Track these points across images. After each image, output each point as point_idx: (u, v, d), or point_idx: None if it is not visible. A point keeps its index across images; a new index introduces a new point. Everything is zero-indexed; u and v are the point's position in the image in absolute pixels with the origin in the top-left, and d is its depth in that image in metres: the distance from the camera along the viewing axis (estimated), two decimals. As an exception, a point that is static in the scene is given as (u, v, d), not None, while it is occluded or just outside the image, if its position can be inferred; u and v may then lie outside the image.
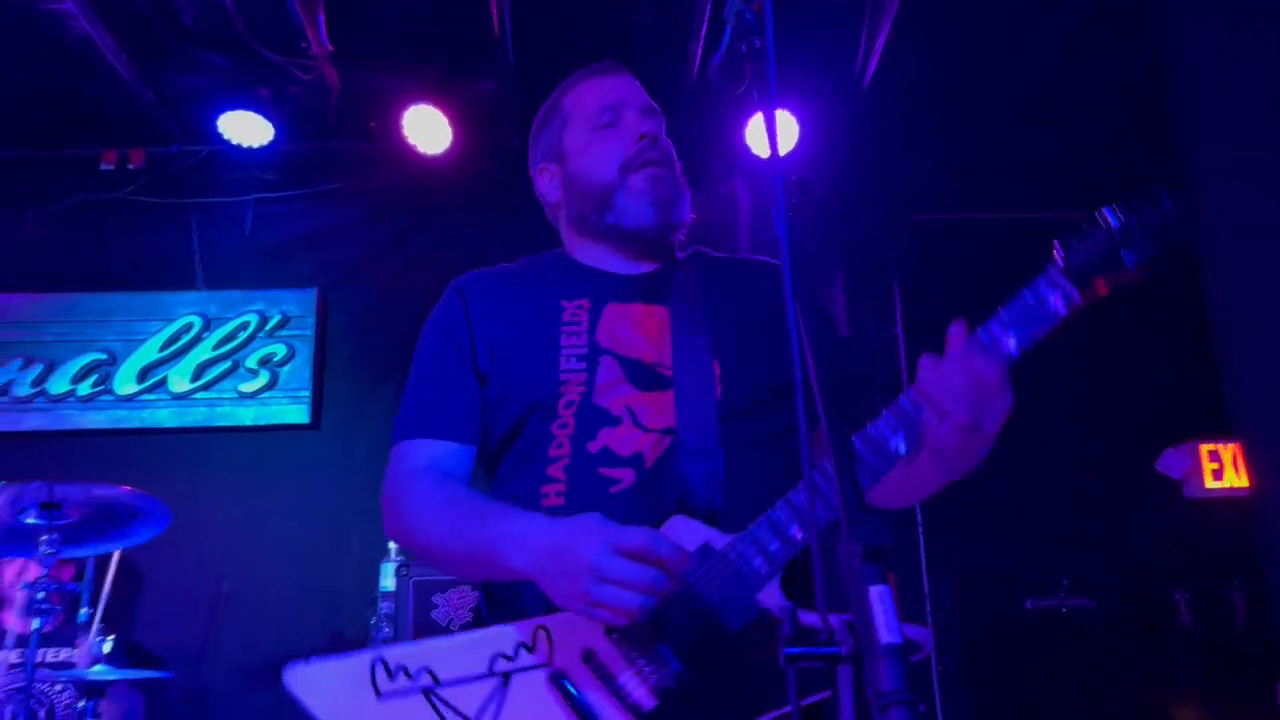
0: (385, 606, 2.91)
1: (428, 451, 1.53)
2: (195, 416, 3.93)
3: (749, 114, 4.05)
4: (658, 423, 1.46)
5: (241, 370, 3.96)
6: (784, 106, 3.84)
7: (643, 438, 1.45)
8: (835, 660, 0.83)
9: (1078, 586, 3.68)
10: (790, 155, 3.88)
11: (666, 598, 1.28)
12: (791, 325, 0.99)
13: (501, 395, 1.54)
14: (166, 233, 4.10)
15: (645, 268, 1.63)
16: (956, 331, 1.31)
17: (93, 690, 2.92)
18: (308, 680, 1.35)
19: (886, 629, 0.76)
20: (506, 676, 1.31)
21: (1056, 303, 1.28)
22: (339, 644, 3.71)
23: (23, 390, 3.87)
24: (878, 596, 0.78)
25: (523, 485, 1.49)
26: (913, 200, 4.23)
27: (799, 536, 1.30)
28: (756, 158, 4.14)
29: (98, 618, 3.01)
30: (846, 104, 4.00)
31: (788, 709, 1.26)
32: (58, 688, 3.21)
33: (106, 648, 2.89)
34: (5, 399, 3.86)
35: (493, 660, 1.31)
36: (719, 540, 1.33)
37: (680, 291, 1.59)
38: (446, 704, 1.30)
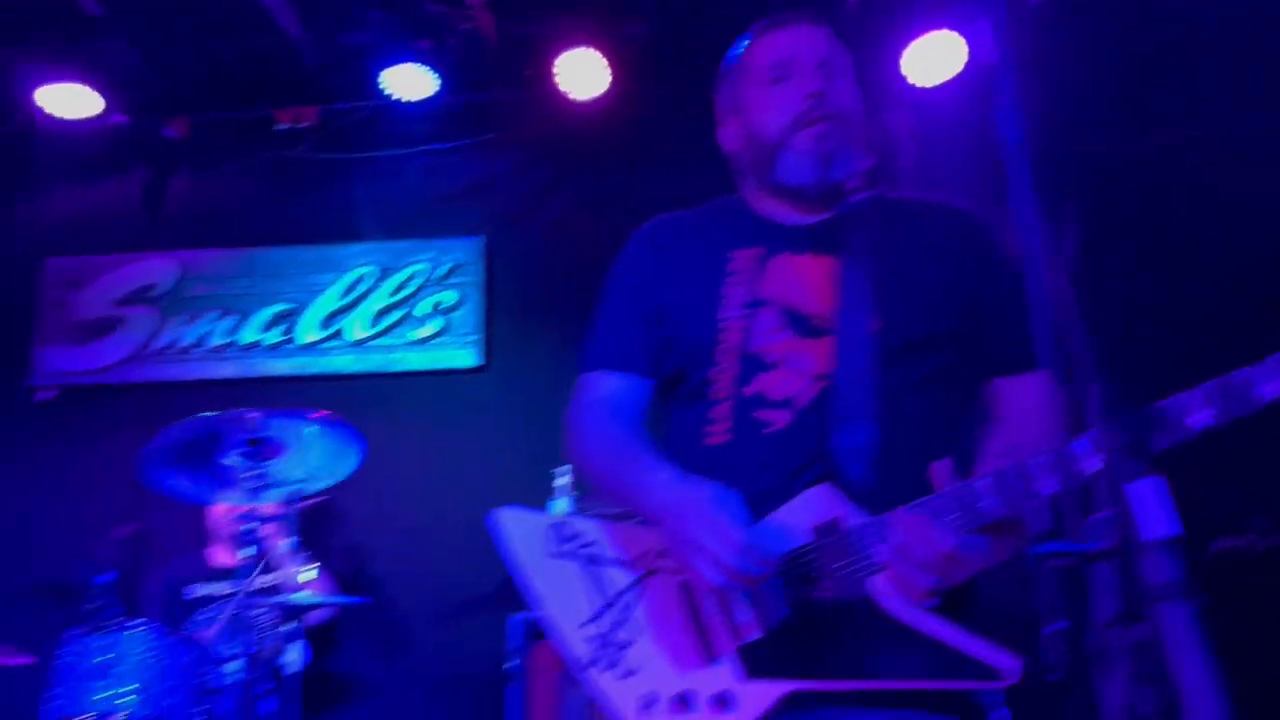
0: (564, 538, 3.01)
1: (607, 384, 1.68)
2: (372, 362, 4.13)
3: (906, 40, 3.93)
4: (813, 369, 1.53)
5: (414, 317, 4.13)
6: (949, 27, 3.70)
7: (797, 382, 1.53)
8: (1090, 558, 0.82)
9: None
10: (960, 79, 3.74)
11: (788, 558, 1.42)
12: (1031, 268, 0.99)
13: (669, 338, 1.65)
14: (339, 187, 4.30)
15: (818, 216, 1.67)
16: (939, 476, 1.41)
17: (300, 614, 3.15)
18: (505, 522, 1.60)
19: (1156, 522, 0.75)
20: (652, 572, 1.50)
21: (1049, 484, 1.31)
22: (510, 581, 3.86)
23: (218, 340, 4.15)
24: (1150, 488, 0.76)
25: (688, 422, 1.61)
26: (1088, 126, 4.02)
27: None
28: (914, 87, 4.02)
29: (299, 549, 3.22)
30: (1016, 23, 3.81)
31: (883, 684, 1.38)
32: (267, 615, 3.47)
33: (311, 575, 3.08)
34: (202, 349, 4.14)
35: (645, 554, 1.51)
36: (854, 517, 1.42)
37: (851, 240, 1.63)
38: (598, 577, 1.53)
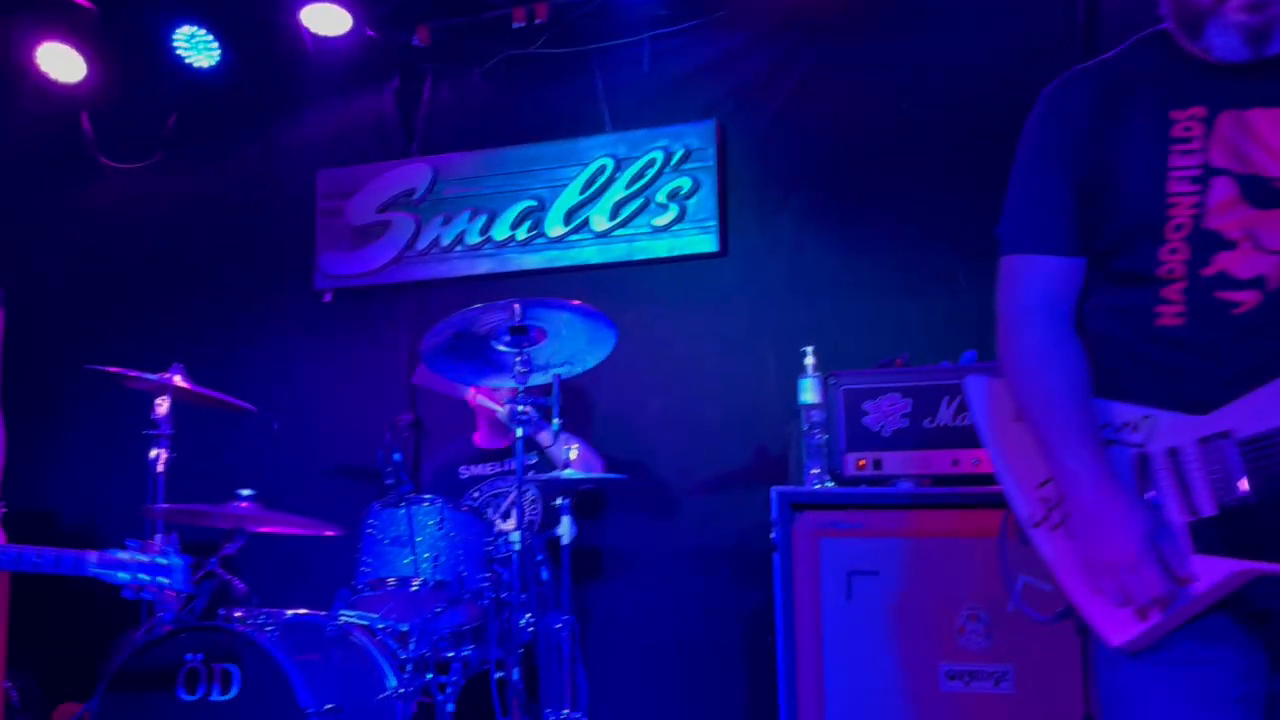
0: (815, 415, 3.03)
1: (1042, 273, 1.60)
2: (616, 252, 4.24)
3: None
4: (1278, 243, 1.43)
5: (653, 205, 4.19)
6: None
7: (1264, 259, 1.44)
8: None
9: None
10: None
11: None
12: None
13: (1106, 213, 1.54)
14: (574, 81, 4.37)
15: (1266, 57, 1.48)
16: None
17: (566, 490, 3.37)
18: (977, 387, 1.69)
19: None
20: (1109, 442, 1.51)
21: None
22: (762, 457, 3.95)
23: (473, 239, 4.38)
24: None
25: (1133, 301, 1.53)
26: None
27: None
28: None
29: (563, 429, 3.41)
30: None
31: None
32: (537, 491, 3.74)
33: (573, 454, 3.27)
34: (461, 248, 4.40)
35: (1107, 425, 1.52)
36: None
37: None
38: None
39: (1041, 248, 1.60)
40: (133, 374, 3.38)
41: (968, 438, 2.79)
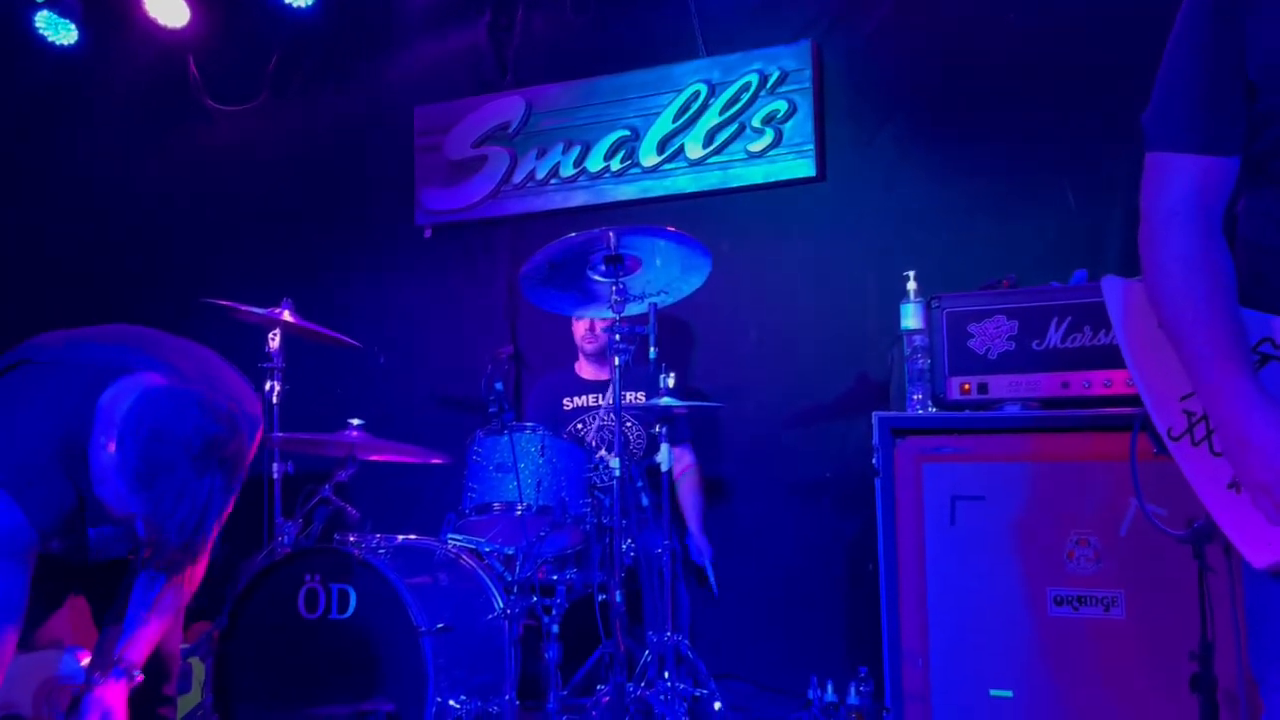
0: (917, 340, 2.97)
1: (1191, 174, 1.45)
2: (710, 180, 4.19)
3: None
4: None
5: (748, 131, 4.12)
6: None
7: None
8: None
9: None
10: None
11: None
12: None
13: (1272, 112, 1.41)
14: (666, 6, 4.28)
15: None
16: None
17: (663, 418, 3.40)
18: (1115, 289, 1.60)
19: None
20: (1266, 359, 1.42)
21: None
22: (862, 384, 3.90)
23: (567, 171, 4.38)
24: None
25: None
26: None
27: None
28: None
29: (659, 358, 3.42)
30: None
31: None
32: (635, 419, 3.78)
33: (670, 382, 3.28)
34: (556, 180, 4.40)
35: (1264, 341, 1.43)
36: None
37: None
38: None
39: (1190, 145, 1.44)
40: (244, 308, 3.50)
41: (1079, 360, 2.71)
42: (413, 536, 3.22)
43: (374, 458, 3.42)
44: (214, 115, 4.92)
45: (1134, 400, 2.60)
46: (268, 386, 3.55)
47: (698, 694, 3.21)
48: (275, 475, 3.52)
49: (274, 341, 3.56)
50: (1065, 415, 2.69)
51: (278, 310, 3.55)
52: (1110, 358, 2.67)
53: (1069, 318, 2.74)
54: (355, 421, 3.24)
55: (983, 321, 2.80)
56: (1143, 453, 1.60)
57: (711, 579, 3.64)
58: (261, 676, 2.95)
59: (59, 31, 4.65)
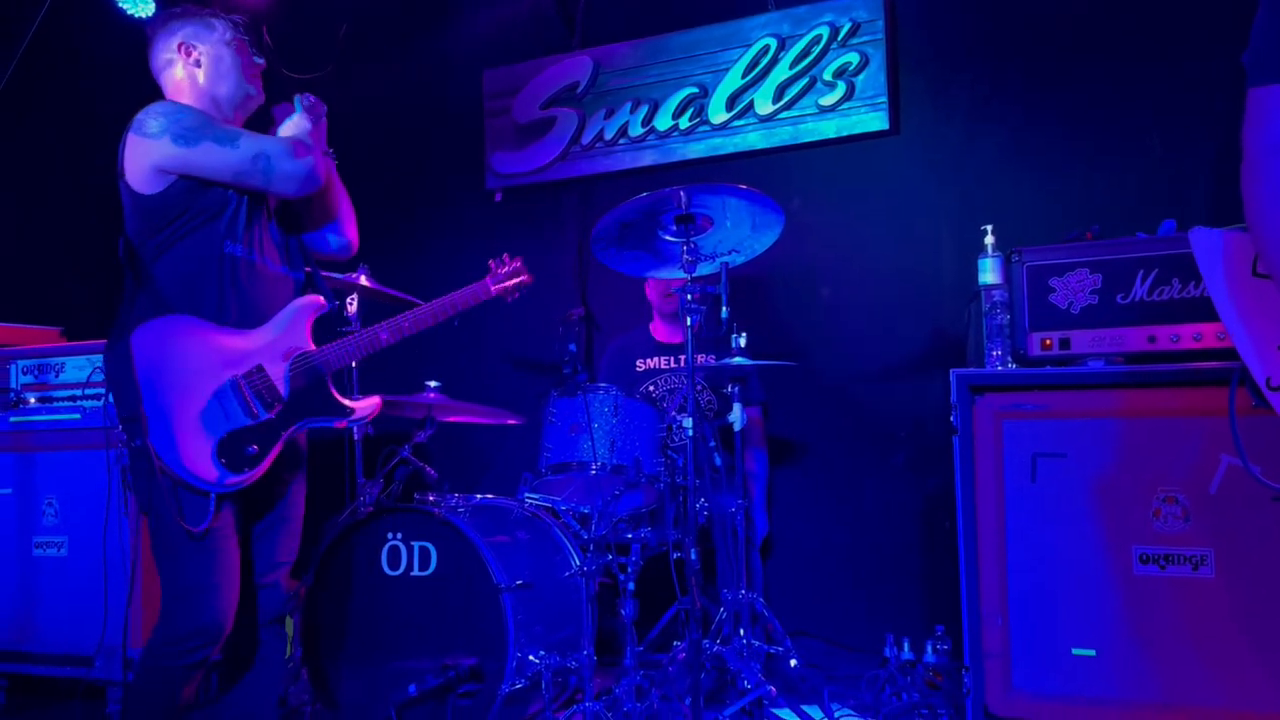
0: (996, 295, 2.91)
1: None
2: (781, 136, 4.14)
3: None
4: None
5: (819, 85, 4.05)
6: None
7: None
8: None
9: None
10: None
11: None
12: None
13: None
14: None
15: None
16: None
17: (736, 377, 3.39)
18: (1207, 240, 1.59)
19: None
20: None
21: None
22: (937, 341, 3.84)
23: (636, 130, 4.36)
24: None
25: None
26: None
27: None
28: None
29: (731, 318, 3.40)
30: None
31: None
32: (707, 379, 3.78)
33: (742, 342, 3.26)
34: (625, 140, 4.39)
35: None
36: None
37: None
38: None
39: None
40: (323, 273, 3.56)
41: (1166, 313, 2.62)
42: (490, 496, 3.28)
43: (451, 419, 3.47)
44: (288, 84, 4.98)
45: (1225, 354, 2.54)
46: (347, 350, 3.63)
47: (773, 651, 3.23)
48: (356, 437, 3.61)
49: (351, 306, 3.63)
50: (1154, 370, 2.61)
51: (354, 275, 3.61)
52: (1201, 310, 2.58)
53: (1156, 269, 2.65)
54: (433, 384, 3.30)
55: (1065, 275, 2.73)
56: (1240, 407, 1.55)
57: (756, 557, 3.65)
58: (347, 631, 3.04)
59: (138, 6, 4.74)
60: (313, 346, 2.35)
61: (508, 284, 2.85)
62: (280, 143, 2.36)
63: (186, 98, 2.42)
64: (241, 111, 2.51)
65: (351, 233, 2.68)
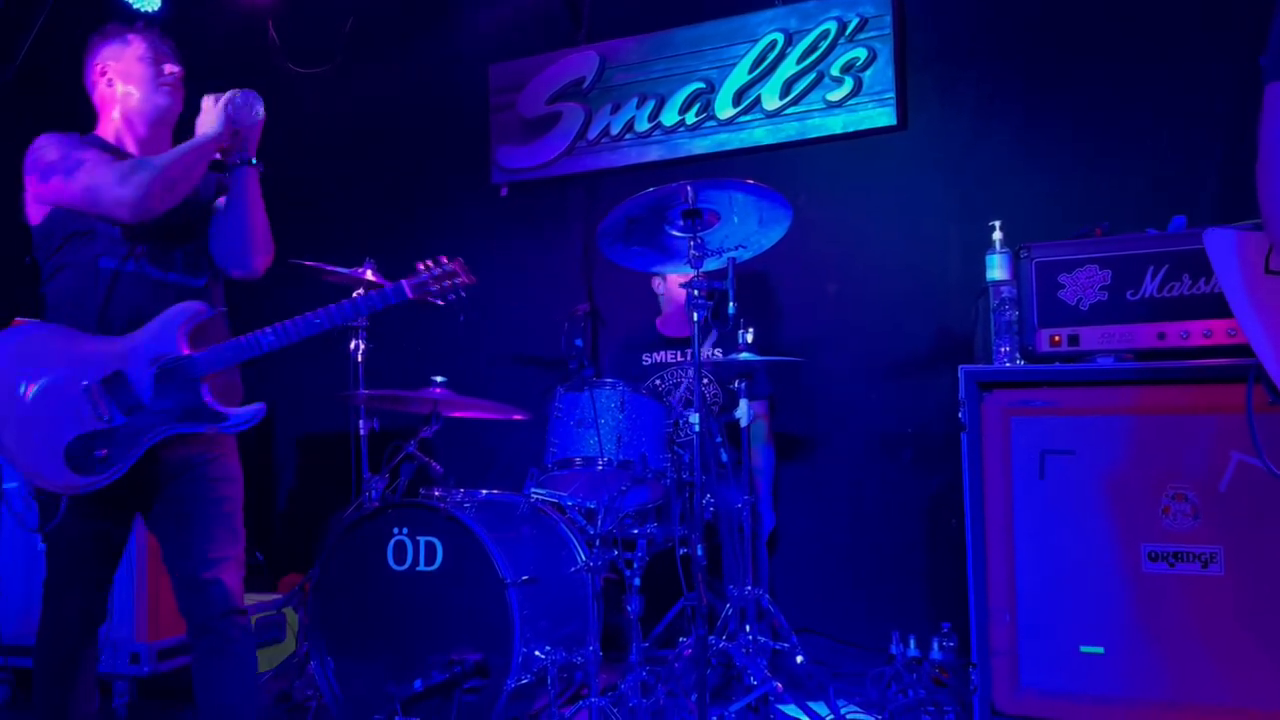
0: (1005, 291, 2.90)
1: None
2: (788, 132, 4.12)
3: None
4: None
5: (826, 80, 4.03)
6: None
7: None
8: None
9: None
10: None
11: None
12: None
13: None
14: (743, -48, 4.21)
15: None
16: None
17: (743, 373, 3.38)
18: (1222, 239, 1.58)
19: None
20: None
21: None
22: (944, 338, 3.82)
23: (642, 125, 4.35)
24: None
25: None
26: None
27: None
28: None
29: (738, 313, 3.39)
30: None
31: None
32: (714, 375, 3.77)
33: (749, 338, 3.25)
34: (631, 135, 4.38)
35: None
36: None
37: None
38: None
39: None
40: (329, 268, 3.57)
41: (1177, 309, 2.61)
42: (496, 491, 3.28)
43: (456, 414, 3.47)
44: (293, 79, 4.98)
45: (1236, 351, 2.53)
46: (353, 345, 3.63)
47: (779, 647, 3.23)
48: (361, 432, 3.60)
49: (358, 300, 3.61)
50: (1164, 367, 2.60)
51: (360, 270, 3.60)
52: (1212, 307, 2.57)
53: (1166, 266, 2.64)
54: (438, 379, 3.29)
55: (1074, 271, 2.71)
56: (1256, 404, 1.54)
57: (763, 553, 3.64)
58: (352, 626, 3.04)
59: (143, 0, 4.73)
60: (185, 351, 2.30)
61: (433, 286, 2.62)
62: (114, 170, 2.30)
63: (106, 117, 2.49)
64: (160, 125, 2.48)
65: (254, 258, 2.50)
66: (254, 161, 2.44)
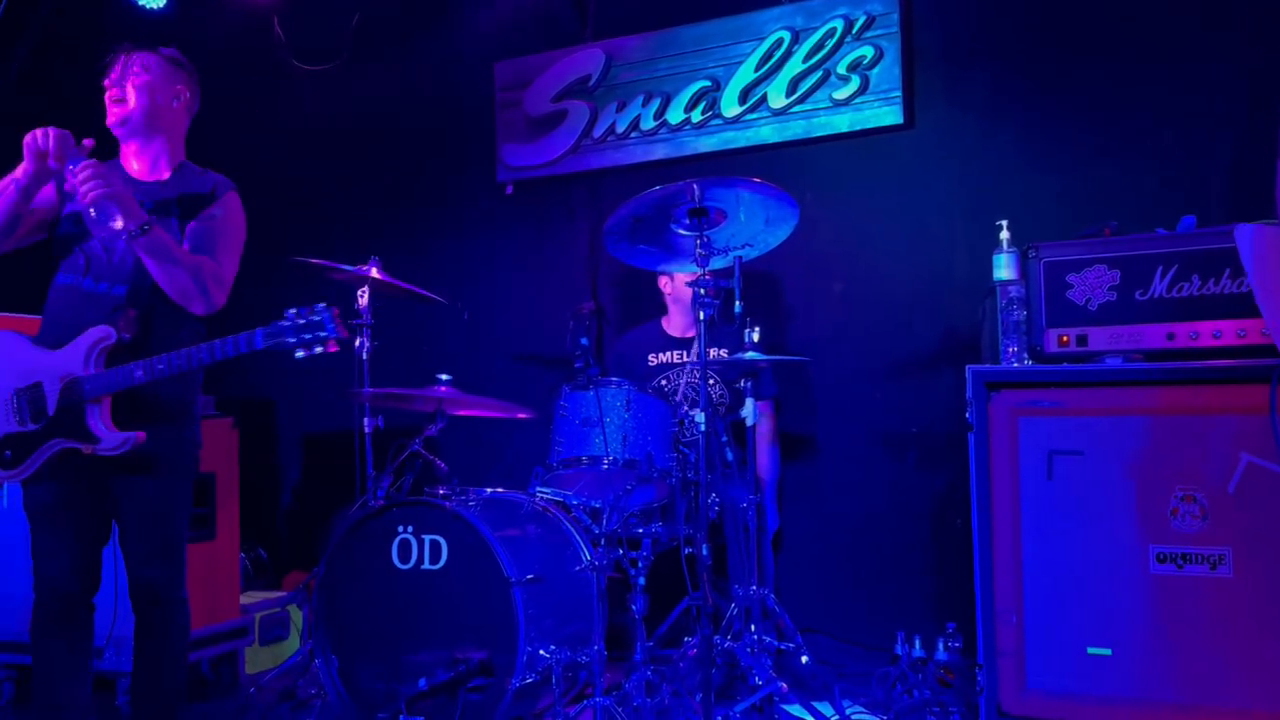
0: (1012, 291, 2.89)
1: None
2: (794, 130, 4.11)
3: None
4: None
5: (833, 78, 4.02)
6: None
7: None
8: None
9: None
10: None
11: None
12: None
13: None
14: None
15: None
16: None
17: (748, 372, 3.37)
18: (1252, 236, 1.59)
19: None
20: None
21: None
22: (950, 338, 3.81)
23: (648, 123, 4.34)
24: None
25: None
26: None
27: None
28: None
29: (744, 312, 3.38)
30: None
31: None
32: (720, 374, 3.75)
33: (755, 337, 3.24)
34: (636, 134, 4.36)
35: None
36: None
37: None
38: None
39: None
40: (334, 266, 3.56)
41: (1186, 310, 2.60)
42: (501, 490, 3.27)
43: (461, 413, 3.46)
44: (298, 76, 4.97)
45: (1247, 352, 2.51)
46: (357, 343, 3.62)
47: (784, 647, 3.22)
48: (366, 430, 3.59)
49: (363, 299, 3.61)
50: (1174, 368, 2.59)
51: (366, 268, 3.60)
52: (1222, 308, 2.56)
53: (1175, 266, 2.63)
54: (444, 377, 3.28)
55: (1082, 271, 2.70)
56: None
57: (768, 553, 3.64)
58: (357, 624, 3.03)
59: (151, -1, 4.73)
60: (87, 372, 2.45)
61: (291, 337, 2.34)
62: None
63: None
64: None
65: (193, 304, 2.56)
66: (134, 230, 2.45)
